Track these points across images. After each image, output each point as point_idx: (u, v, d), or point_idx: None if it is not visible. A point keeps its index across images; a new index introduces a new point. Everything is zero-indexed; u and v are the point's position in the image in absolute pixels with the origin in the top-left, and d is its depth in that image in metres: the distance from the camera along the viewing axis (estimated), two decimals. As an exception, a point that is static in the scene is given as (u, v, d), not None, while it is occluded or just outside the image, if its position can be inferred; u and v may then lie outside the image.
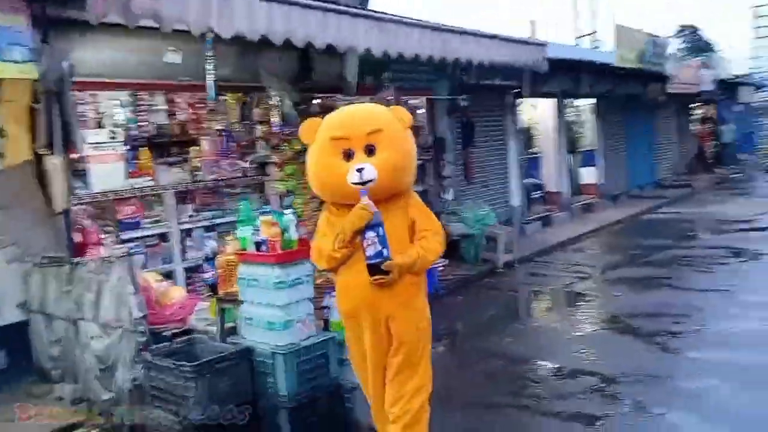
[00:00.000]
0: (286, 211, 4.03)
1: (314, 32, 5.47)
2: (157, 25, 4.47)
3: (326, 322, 4.25)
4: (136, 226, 5.99)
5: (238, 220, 4.22)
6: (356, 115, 3.20)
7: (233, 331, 4.43)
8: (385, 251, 2.95)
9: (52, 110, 4.45)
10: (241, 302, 4.12)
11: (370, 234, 2.95)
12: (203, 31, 4.73)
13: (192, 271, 6.43)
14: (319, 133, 3.12)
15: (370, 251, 2.96)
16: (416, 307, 3.19)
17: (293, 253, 3.89)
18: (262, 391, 3.88)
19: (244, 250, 4.05)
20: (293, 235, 3.92)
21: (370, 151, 3.03)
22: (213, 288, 4.41)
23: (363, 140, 3.02)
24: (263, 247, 3.88)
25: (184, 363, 3.72)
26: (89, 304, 4.44)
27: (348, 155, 3.03)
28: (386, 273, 2.97)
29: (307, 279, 3.99)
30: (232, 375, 3.78)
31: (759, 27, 44.75)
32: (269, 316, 3.86)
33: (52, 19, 4.77)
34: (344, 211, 3.13)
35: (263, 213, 4.06)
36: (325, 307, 4.28)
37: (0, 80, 4.80)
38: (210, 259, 4.39)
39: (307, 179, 7.21)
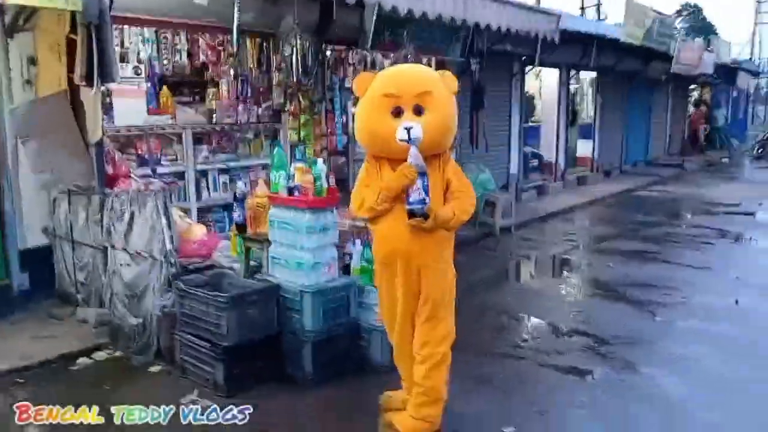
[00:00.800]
0: (319, 161, 4.22)
1: (346, -14, 5.55)
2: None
3: (347, 267, 4.51)
4: (154, 162, 6.15)
5: (272, 165, 4.41)
6: (409, 75, 3.36)
7: (256, 269, 4.70)
8: (427, 199, 3.17)
9: (92, 43, 4.53)
10: (269, 242, 4.36)
11: (417, 180, 3.15)
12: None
13: (206, 211, 6.65)
14: (371, 89, 3.28)
15: (413, 197, 3.17)
16: (445, 260, 3.43)
17: (324, 200, 4.13)
18: (288, 326, 4.15)
19: (276, 193, 4.27)
20: (324, 183, 4.14)
21: (418, 111, 3.20)
22: (240, 228, 4.62)
23: (413, 100, 3.20)
24: (296, 193, 4.10)
25: (218, 293, 3.97)
26: (120, 233, 4.65)
27: (397, 113, 3.21)
28: (425, 218, 3.19)
29: (333, 225, 4.24)
30: (261, 308, 4.05)
31: (760, 12, 44.72)
32: (298, 257, 4.11)
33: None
34: (384, 164, 3.34)
35: (298, 161, 4.24)
36: (347, 254, 4.54)
37: (35, 9, 4.89)
38: (239, 200, 4.58)
39: (318, 129, 7.50)
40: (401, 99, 3.20)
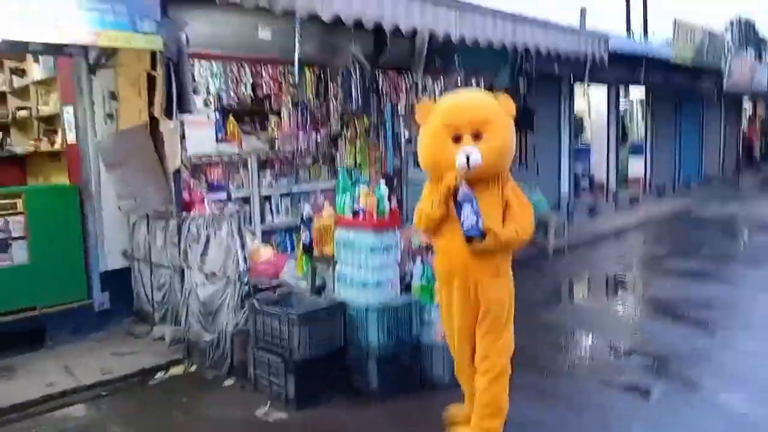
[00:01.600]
0: (382, 183, 4.46)
1: (401, 17, 5.82)
2: (268, 6, 4.88)
3: (408, 286, 4.69)
4: (223, 188, 6.50)
5: (337, 189, 4.67)
6: (467, 105, 3.52)
7: (321, 287, 4.94)
8: (479, 222, 3.33)
9: (170, 78, 4.90)
10: (335, 262, 4.59)
11: (467, 207, 3.33)
12: (308, 13, 5.12)
13: (269, 234, 6.96)
14: (432, 117, 3.48)
15: (466, 224, 3.34)
16: (503, 275, 3.56)
17: (386, 222, 4.35)
18: (353, 341, 4.36)
19: (342, 215, 4.51)
20: (387, 205, 4.36)
21: (476, 136, 3.37)
22: (307, 248, 4.87)
23: (471, 127, 3.37)
24: (360, 214, 4.33)
25: (290, 310, 4.21)
26: (196, 254, 4.97)
27: (457, 139, 3.39)
28: (482, 237, 3.35)
29: (395, 245, 4.45)
30: (329, 325, 4.28)
31: (817, 24, 43.34)
32: (363, 276, 4.33)
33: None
34: None
35: (361, 184, 4.48)
36: (407, 273, 4.72)
37: (116, 48, 5.31)
38: (306, 222, 4.84)
39: (373, 154, 7.76)
40: (460, 128, 3.38)
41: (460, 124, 3.39)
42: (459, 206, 3.39)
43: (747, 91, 17.05)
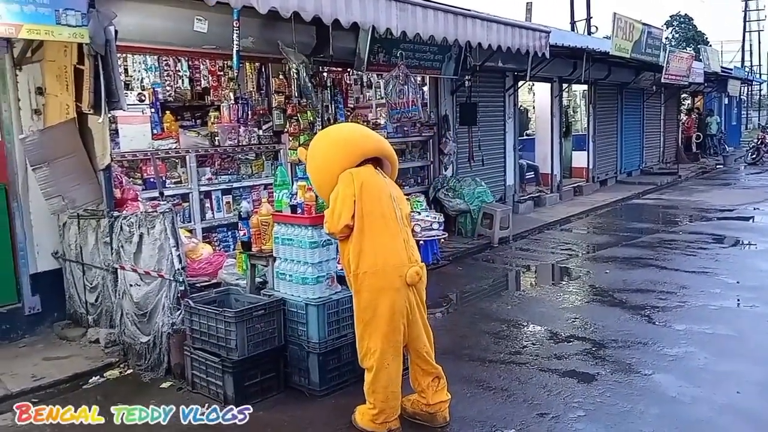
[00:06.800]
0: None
1: (341, 10, 5.75)
2: (202, -3, 4.75)
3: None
4: (162, 185, 6.30)
5: (274, 184, 4.59)
6: None
7: (261, 285, 4.85)
8: None
9: (98, 72, 4.71)
10: (274, 259, 4.51)
11: None
12: (243, 5, 5.00)
13: (210, 231, 6.81)
14: None
15: None
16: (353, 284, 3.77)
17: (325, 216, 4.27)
18: (293, 338, 4.30)
19: (280, 211, 4.43)
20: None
21: None
22: (246, 245, 4.77)
23: None
24: (299, 210, 4.27)
25: (227, 309, 4.12)
26: (129, 254, 4.81)
27: None
28: None
29: (334, 240, 4.38)
30: (268, 322, 4.20)
31: (749, 21, 45.39)
32: (302, 271, 4.26)
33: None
34: None
35: (300, 179, 4.41)
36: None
37: (42, 41, 5.09)
38: (243, 219, 4.74)
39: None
40: None
41: None
42: None
43: (683, 86, 17.63)
